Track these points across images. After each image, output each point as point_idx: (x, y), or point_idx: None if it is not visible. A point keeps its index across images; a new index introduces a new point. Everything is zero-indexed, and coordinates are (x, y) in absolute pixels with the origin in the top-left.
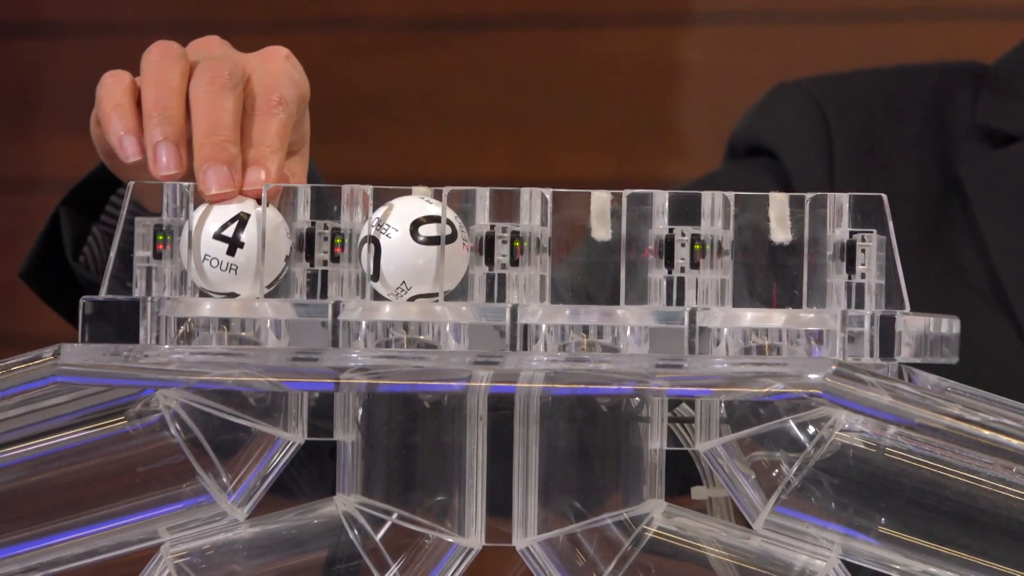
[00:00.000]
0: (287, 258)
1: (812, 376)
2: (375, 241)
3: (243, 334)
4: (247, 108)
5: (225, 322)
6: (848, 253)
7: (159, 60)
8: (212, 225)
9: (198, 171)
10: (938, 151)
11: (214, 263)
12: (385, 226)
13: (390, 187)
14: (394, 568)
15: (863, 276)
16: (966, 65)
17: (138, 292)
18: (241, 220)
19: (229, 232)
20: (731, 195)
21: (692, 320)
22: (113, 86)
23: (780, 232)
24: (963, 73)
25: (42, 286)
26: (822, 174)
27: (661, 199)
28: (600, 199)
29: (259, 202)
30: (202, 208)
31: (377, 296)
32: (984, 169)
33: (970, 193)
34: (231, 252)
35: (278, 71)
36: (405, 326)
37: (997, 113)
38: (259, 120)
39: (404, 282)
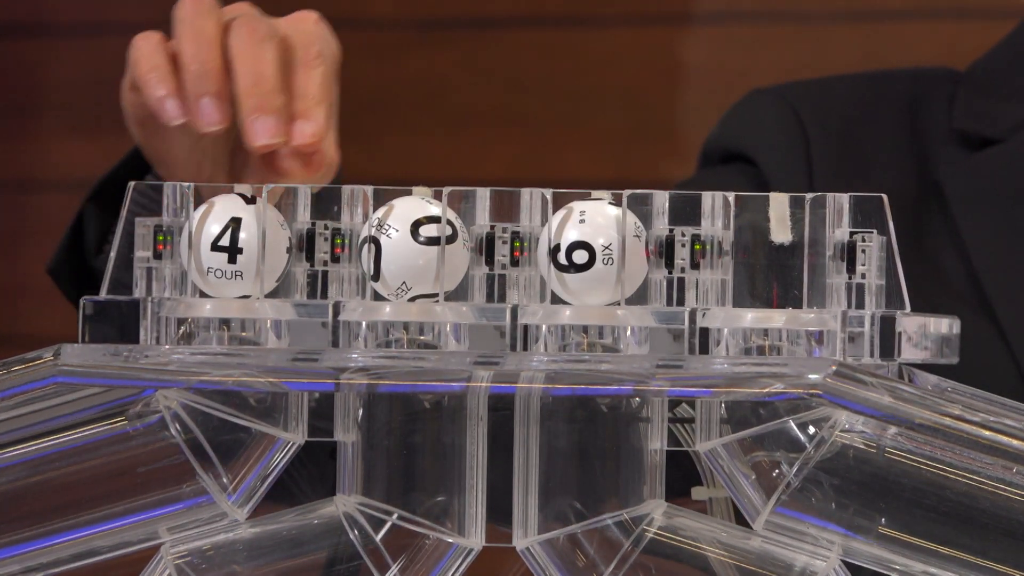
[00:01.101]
0: (288, 249)
1: (812, 376)
2: (375, 241)
3: (243, 334)
4: (286, 63)
5: (225, 322)
6: (848, 253)
7: (193, 12)
8: (208, 234)
9: (245, 122)
10: (915, 155)
11: (218, 274)
12: (386, 226)
13: (390, 187)
14: (394, 568)
15: (863, 276)
16: (940, 71)
17: (138, 292)
18: (235, 224)
19: (226, 240)
20: (731, 195)
21: (692, 320)
22: (147, 47)
23: (780, 232)
24: (937, 78)
25: (67, 283)
26: (801, 179)
27: (661, 199)
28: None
29: (251, 199)
30: (199, 212)
31: (377, 296)
32: (963, 173)
33: (950, 197)
34: (232, 260)
35: (311, 30)
36: (405, 326)
37: (974, 116)
38: (300, 72)
39: (404, 282)
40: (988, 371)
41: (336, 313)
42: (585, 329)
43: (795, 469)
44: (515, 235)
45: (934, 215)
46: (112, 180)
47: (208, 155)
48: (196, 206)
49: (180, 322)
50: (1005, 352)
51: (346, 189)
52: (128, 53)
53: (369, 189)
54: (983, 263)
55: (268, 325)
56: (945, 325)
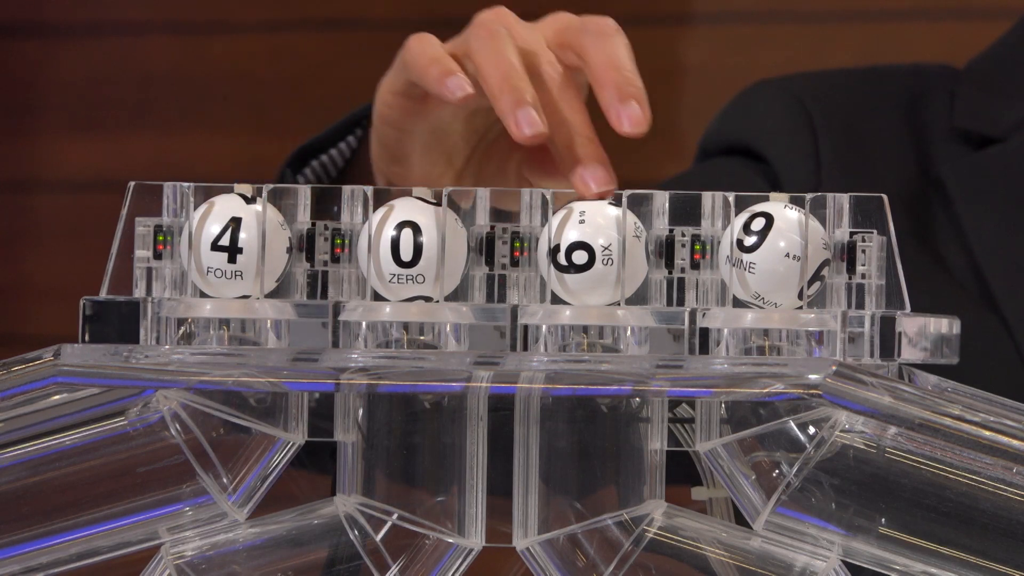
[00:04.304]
0: (288, 249)
1: (812, 376)
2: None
3: (243, 334)
4: (576, 37)
5: (225, 322)
6: (848, 254)
7: (491, 41)
8: (208, 234)
9: (573, 170)
10: (916, 151)
11: (218, 274)
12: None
13: (391, 187)
14: (394, 568)
15: (863, 276)
16: (940, 67)
17: (138, 292)
18: (235, 224)
19: (226, 240)
20: (731, 195)
21: (692, 320)
22: (426, 44)
23: None
24: (937, 75)
25: None
26: (809, 172)
27: (661, 199)
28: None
29: (251, 199)
30: (199, 212)
31: (377, 296)
32: (965, 171)
33: (953, 194)
34: (232, 260)
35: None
36: (405, 326)
37: (975, 115)
38: (603, 41)
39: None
40: (994, 366)
41: (336, 313)
42: (585, 329)
43: (795, 469)
44: (515, 235)
45: (937, 211)
46: (314, 152)
47: (454, 168)
48: (196, 206)
49: (180, 322)
50: (1011, 347)
51: (346, 189)
52: (402, 55)
53: (369, 189)
54: (987, 259)
55: (268, 325)
56: (945, 325)
